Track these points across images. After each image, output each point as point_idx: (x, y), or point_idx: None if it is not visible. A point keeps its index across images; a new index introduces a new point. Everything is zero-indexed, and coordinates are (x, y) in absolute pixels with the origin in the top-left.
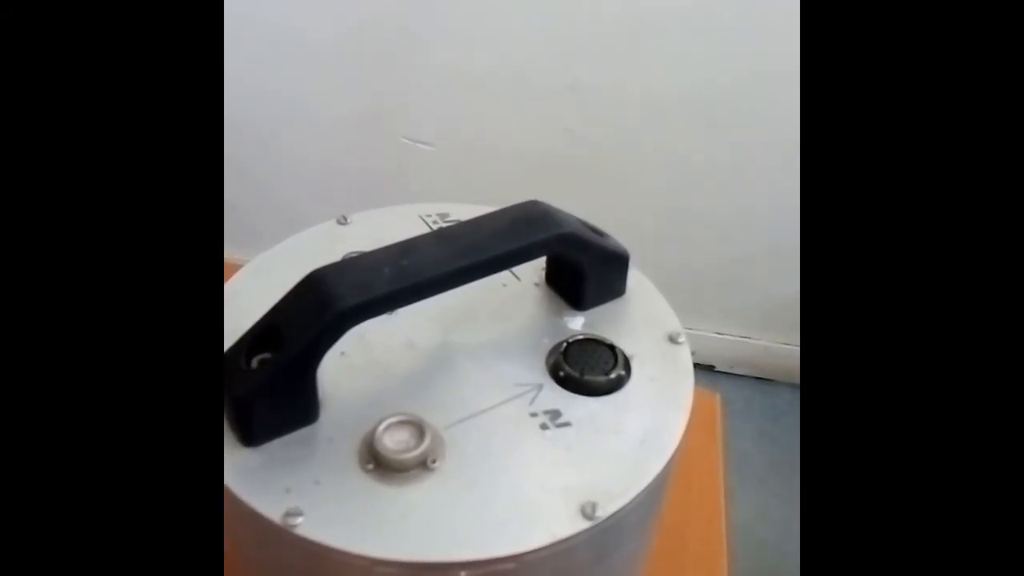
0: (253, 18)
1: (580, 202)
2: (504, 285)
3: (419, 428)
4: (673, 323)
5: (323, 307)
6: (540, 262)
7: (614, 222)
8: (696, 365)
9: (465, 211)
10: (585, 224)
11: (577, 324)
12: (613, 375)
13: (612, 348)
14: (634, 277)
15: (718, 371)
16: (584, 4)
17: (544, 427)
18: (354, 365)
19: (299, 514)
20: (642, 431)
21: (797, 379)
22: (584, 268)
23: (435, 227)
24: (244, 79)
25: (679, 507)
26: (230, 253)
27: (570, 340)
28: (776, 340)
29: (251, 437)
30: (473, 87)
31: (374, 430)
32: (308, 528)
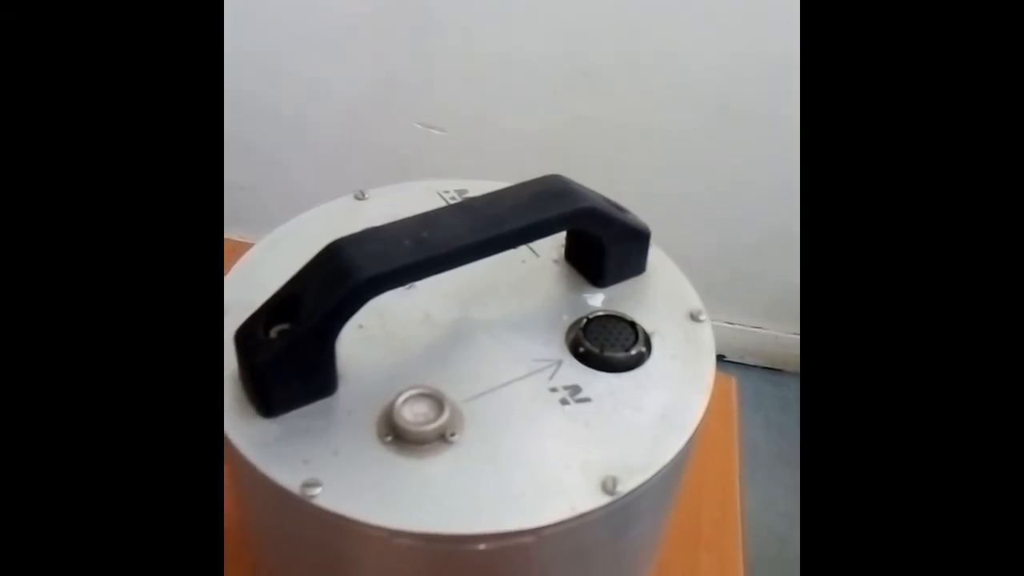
0: None
1: (591, 187)
2: (523, 261)
3: (438, 401)
4: (695, 301)
5: (342, 277)
6: (559, 238)
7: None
8: None
9: (484, 187)
10: (606, 199)
11: (597, 301)
12: (634, 351)
13: (633, 325)
14: (655, 254)
15: (728, 360)
16: None
17: (564, 402)
18: (373, 338)
19: (317, 485)
20: (663, 408)
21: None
22: (604, 244)
23: (452, 202)
24: (259, 60)
25: (694, 490)
26: (243, 234)
27: (590, 316)
28: (786, 330)
29: (269, 407)
30: (486, 73)
31: (393, 402)
32: (327, 499)
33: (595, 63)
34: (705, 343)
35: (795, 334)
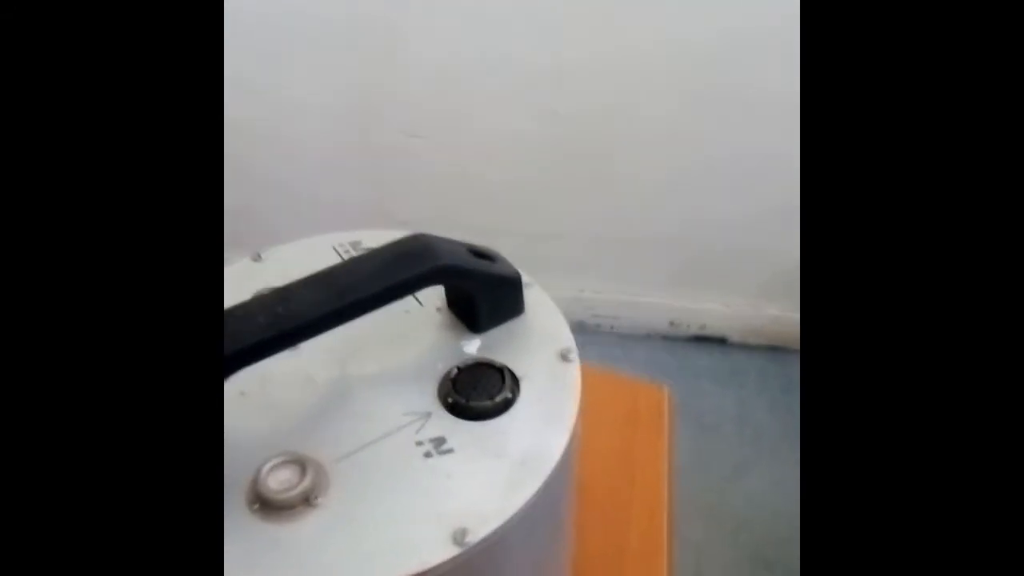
0: (236, 12)
1: (577, 181)
2: (407, 311)
3: (302, 466)
4: (566, 340)
5: None
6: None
7: (614, 201)
8: (708, 338)
9: (377, 238)
10: (473, 250)
11: (473, 347)
12: (499, 398)
13: (501, 371)
14: (534, 294)
15: (731, 343)
16: None
17: (428, 455)
18: (252, 404)
19: None
20: (522, 453)
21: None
22: (473, 294)
23: (347, 256)
24: (230, 76)
25: (621, 505)
26: (241, 252)
27: (461, 366)
28: (786, 309)
29: None
30: (461, 77)
31: (259, 470)
32: None
33: (567, 58)
34: (571, 383)
35: (795, 313)
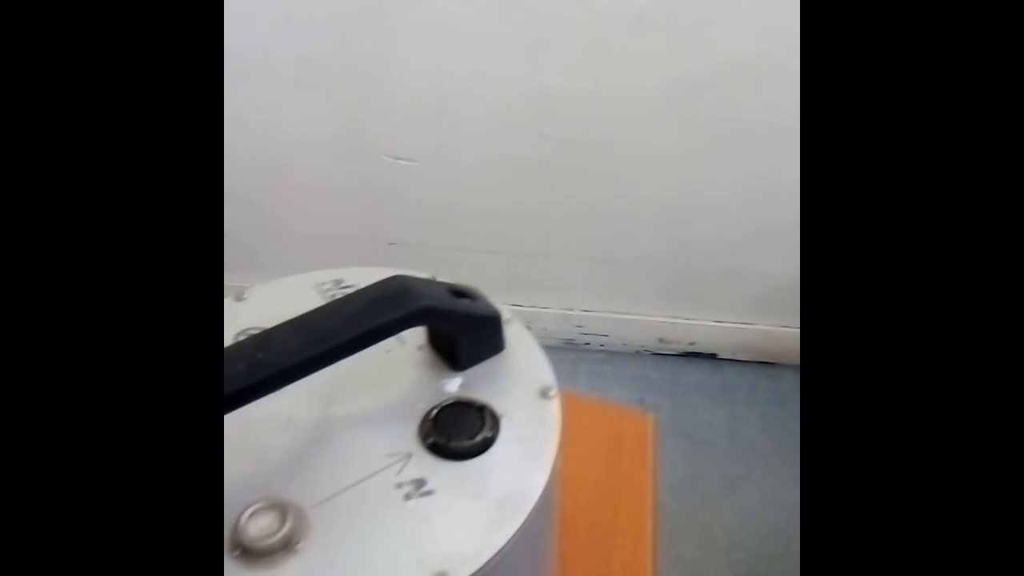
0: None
1: (565, 202)
2: (388, 351)
3: (282, 512)
4: (547, 377)
5: None
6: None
7: (602, 220)
8: (698, 354)
9: (361, 276)
10: (453, 289)
11: (454, 386)
12: (479, 438)
13: (481, 409)
14: (514, 330)
15: (721, 359)
16: (547, 12)
17: (408, 497)
18: (233, 449)
19: None
20: (502, 493)
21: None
22: (453, 333)
23: (329, 296)
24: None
25: (606, 533)
26: (231, 280)
27: (441, 405)
28: (775, 323)
29: None
30: (447, 101)
31: (239, 517)
32: None
33: (551, 83)
34: (551, 420)
35: (785, 327)
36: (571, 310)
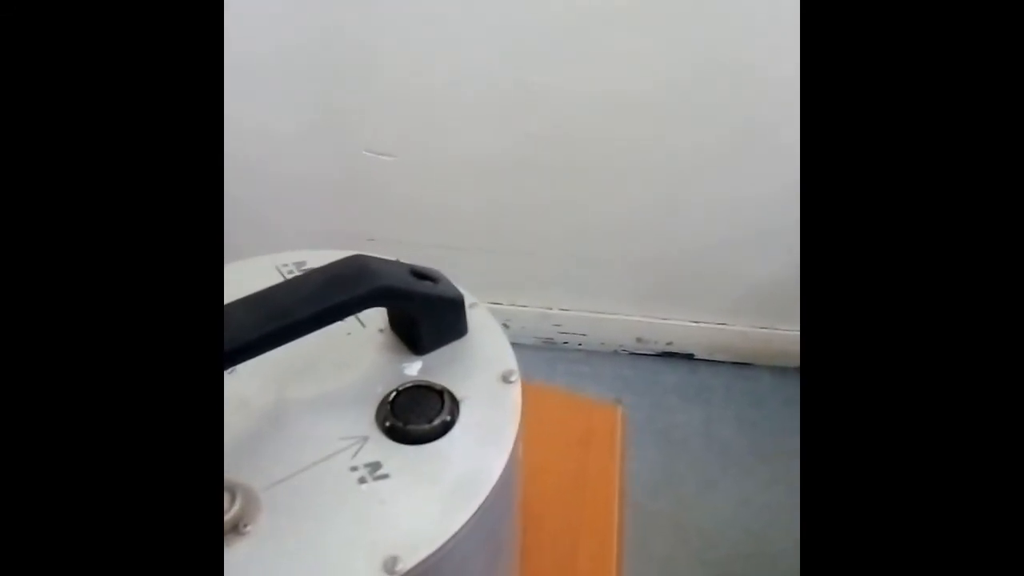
0: None
1: (546, 201)
2: (348, 333)
3: (232, 492)
4: (509, 362)
5: None
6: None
7: (581, 220)
8: (675, 354)
9: (323, 258)
10: (415, 271)
11: (415, 369)
12: (437, 422)
13: (441, 393)
14: (478, 315)
15: (697, 359)
16: (531, 8)
17: (362, 481)
18: None
19: None
20: (458, 477)
21: (776, 362)
22: (414, 316)
23: (291, 277)
24: None
25: (571, 528)
26: None
27: (400, 388)
28: (752, 324)
29: None
30: (429, 97)
31: None
32: None
33: (536, 80)
34: (511, 405)
35: (762, 328)
36: (550, 309)
